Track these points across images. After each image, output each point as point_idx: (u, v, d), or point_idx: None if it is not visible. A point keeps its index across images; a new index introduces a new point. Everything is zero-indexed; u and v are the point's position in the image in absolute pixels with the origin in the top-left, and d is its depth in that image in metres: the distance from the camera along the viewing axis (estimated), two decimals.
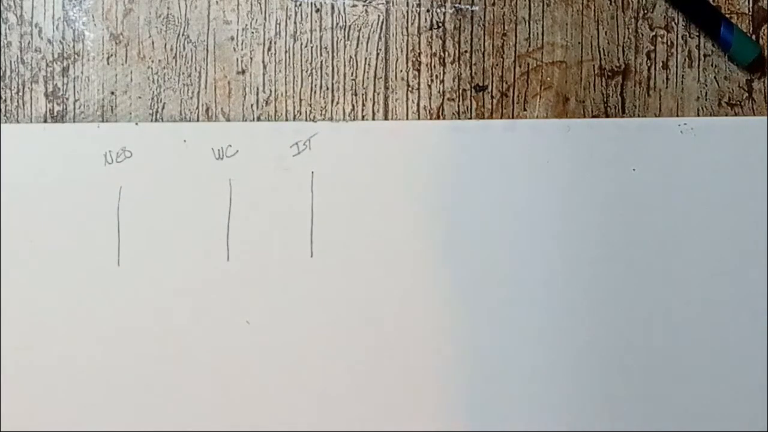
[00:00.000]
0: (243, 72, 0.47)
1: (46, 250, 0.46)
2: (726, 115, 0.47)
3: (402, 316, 0.46)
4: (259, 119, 0.47)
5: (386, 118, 0.47)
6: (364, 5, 0.47)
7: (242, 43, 0.47)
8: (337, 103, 0.47)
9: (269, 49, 0.47)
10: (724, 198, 0.46)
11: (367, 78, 0.47)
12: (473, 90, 0.47)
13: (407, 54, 0.47)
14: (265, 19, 0.47)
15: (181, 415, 0.46)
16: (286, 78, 0.47)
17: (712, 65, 0.48)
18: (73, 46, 0.47)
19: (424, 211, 0.46)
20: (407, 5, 0.47)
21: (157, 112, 0.47)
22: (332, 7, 0.47)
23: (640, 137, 0.47)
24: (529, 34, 0.47)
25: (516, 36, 0.47)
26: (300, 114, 0.47)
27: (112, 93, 0.47)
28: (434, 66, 0.47)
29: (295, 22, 0.47)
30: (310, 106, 0.47)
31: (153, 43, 0.47)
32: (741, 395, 0.46)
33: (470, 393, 0.46)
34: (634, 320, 0.46)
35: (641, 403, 0.46)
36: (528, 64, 0.47)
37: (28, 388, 0.45)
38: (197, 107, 0.47)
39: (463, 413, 0.46)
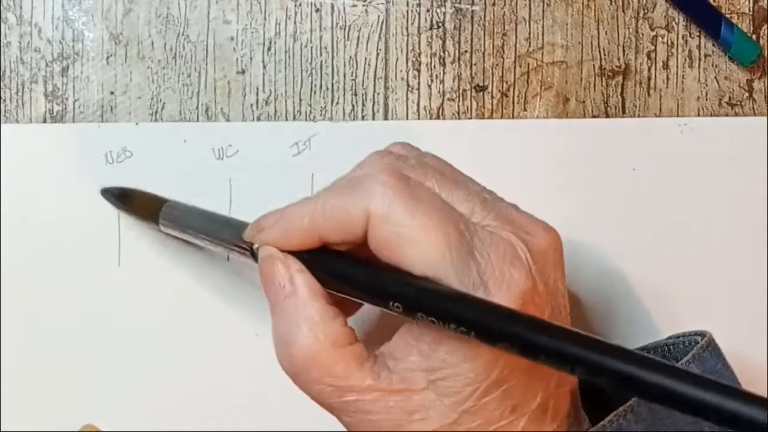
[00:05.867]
0: (243, 72, 0.47)
1: (47, 250, 0.46)
2: (726, 115, 0.47)
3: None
4: (259, 119, 0.47)
5: (386, 118, 0.47)
6: (364, 5, 0.47)
7: (242, 43, 0.47)
8: (337, 103, 0.47)
9: (269, 49, 0.47)
10: (724, 198, 0.46)
11: (367, 78, 0.47)
12: (473, 90, 0.47)
13: (407, 54, 0.47)
14: (265, 19, 0.47)
15: (181, 415, 0.46)
16: (286, 78, 0.47)
17: (712, 65, 0.48)
18: (73, 46, 0.46)
19: None
20: (407, 5, 0.47)
21: (156, 112, 0.47)
22: (332, 7, 0.47)
23: (640, 137, 0.47)
24: (529, 34, 0.47)
25: (516, 36, 0.47)
26: (300, 114, 0.47)
27: (112, 93, 0.47)
28: (434, 66, 0.47)
29: (295, 22, 0.47)
30: (310, 106, 0.47)
31: (153, 43, 0.47)
32: None
33: None
34: (634, 320, 0.46)
35: None
36: (528, 64, 0.47)
37: (28, 388, 0.45)
38: (197, 107, 0.47)
39: None
